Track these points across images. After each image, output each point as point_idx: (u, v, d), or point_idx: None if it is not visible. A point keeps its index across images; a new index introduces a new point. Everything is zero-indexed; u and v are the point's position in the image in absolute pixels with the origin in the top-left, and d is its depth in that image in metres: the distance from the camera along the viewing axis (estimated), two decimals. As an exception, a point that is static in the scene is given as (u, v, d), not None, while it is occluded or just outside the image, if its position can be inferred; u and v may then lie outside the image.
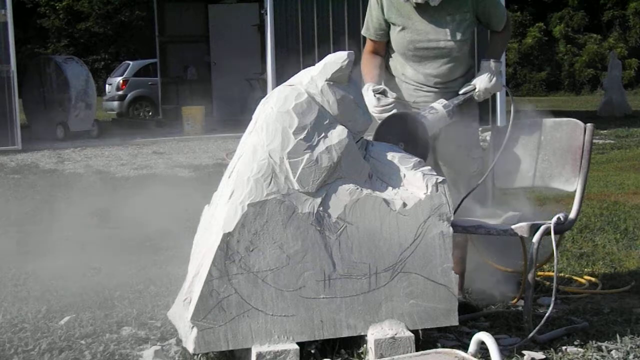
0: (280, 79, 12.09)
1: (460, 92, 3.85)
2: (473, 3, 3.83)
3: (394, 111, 3.67)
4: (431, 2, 3.72)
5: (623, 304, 4.20)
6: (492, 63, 3.85)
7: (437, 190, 3.26)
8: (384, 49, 3.95)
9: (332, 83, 3.24)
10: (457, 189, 3.84)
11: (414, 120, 3.62)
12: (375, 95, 3.66)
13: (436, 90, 3.89)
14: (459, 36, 3.81)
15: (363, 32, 3.97)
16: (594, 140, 4.22)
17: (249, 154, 3.19)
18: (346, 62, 3.23)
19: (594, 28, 32.89)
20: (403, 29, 3.84)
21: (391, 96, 3.68)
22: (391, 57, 3.96)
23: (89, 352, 3.39)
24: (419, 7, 3.78)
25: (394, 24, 3.86)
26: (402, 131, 3.55)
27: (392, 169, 3.31)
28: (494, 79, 3.84)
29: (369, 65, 3.90)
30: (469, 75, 3.93)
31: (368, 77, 3.83)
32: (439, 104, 3.76)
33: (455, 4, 3.79)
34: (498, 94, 14.01)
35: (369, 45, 3.97)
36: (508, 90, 4.14)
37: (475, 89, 3.84)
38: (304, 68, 3.39)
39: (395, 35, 3.87)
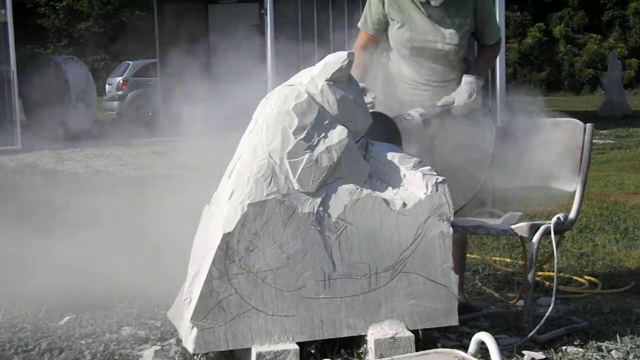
0: (280, 79, 12.09)
1: (439, 103, 3.82)
2: (474, 9, 3.83)
3: (371, 110, 3.66)
4: (433, 2, 3.72)
5: (623, 304, 4.20)
6: (473, 79, 3.83)
7: (437, 190, 3.26)
8: (375, 46, 3.94)
9: (332, 83, 3.24)
10: (455, 191, 3.84)
11: (389, 122, 3.62)
12: None
13: (432, 89, 3.88)
14: (456, 40, 3.81)
15: (360, 24, 3.95)
16: (594, 140, 4.22)
17: (249, 154, 3.19)
18: (346, 62, 3.23)
19: (594, 28, 32.89)
20: (402, 26, 3.83)
21: (370, 95, 3.68)
22: (389, 56, 3.95)
23: (89, 352, 3.40)
24: (421, 6, 3.77)
25: (393, 20, 3.85)
26: (376, 131, 3.53)
27: (392, 169, 3.31)
28: (474, 95, 3.82)
29: (355, 61, 3.89)
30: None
31: (352, 73, 3.82)
32: (416, 112, 3.75)
33: (456, 7, 3.79)
34: (498, 93, 14.04)
35: (361, 39, 3.95)
36: (489, 109, 4.11)
37: (454, 102, 3.83)
38: (304, 68, 3.38)
39: (393, 31, 3.87)
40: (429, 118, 3.75)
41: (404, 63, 3.90)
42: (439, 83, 3.88)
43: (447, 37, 3.80)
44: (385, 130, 3.58)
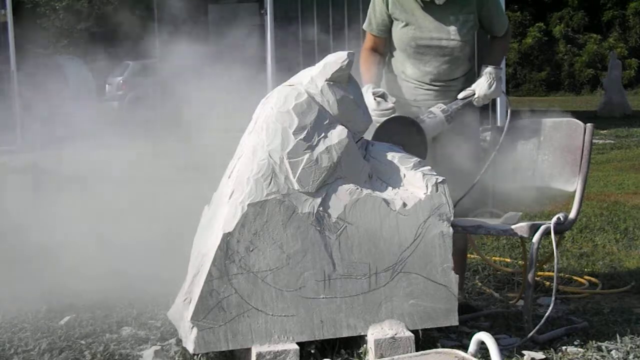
0: (280, 79, 12.08)
1: (459, 96, 3.85)
2: (477, 5, 3.83)
3: (393, 115, 3.66)
4: (437, 0, 3.73)
5: (623, 304, 4.20)
6: (491, 69, 3.85)
7: (437, 190, 3.26)
8: (383, 46, 3.95)
9: (332, 83, 3.24)
10: (456, 188, 3.84)
11: (412, 124, 3.62)
12: (375, 99, 3.65)
13: (436, 88, 3.89)
14: (461, 36, 3.82)
15: (365, 26, 3.96)
16: (594, 140, 4.23)
17: (249, 154, 3.19)
18: (346, 62, 3.23)
19: (594, 28, 32.87)
20: (406, 25, 3.84)
21: (390, 100, 3.68)
22: (393, 55, 3.96)
23: (89, 352, 3.40)
24: (424, 5, 3.78)
25: (397, 20, 3.86)
26: (400, 135, 3.54)
27: (392, 169, 3.31)
28: (494, 84, 3.84)
29: (367, 63, 3.89)
30: (470, 75, 3.94)
31: (366, 76, 3.82)
32: (438, 109, 3.76)
33: (459, 4, 3.79)
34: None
35: (369, 41, 3.96)
36: (507, 98, 4.13)
37: (474, 94, 3.84)
38: (304, 68, 3.38)
39: (397, 31, 3.87)
40: (451, 113, 3.76)
41: (408, 62, 3.90)
42: (443, 82, 3.89)
43: (452, 34, 3.81)
44: (409, 133, 3.58)
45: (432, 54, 3.85)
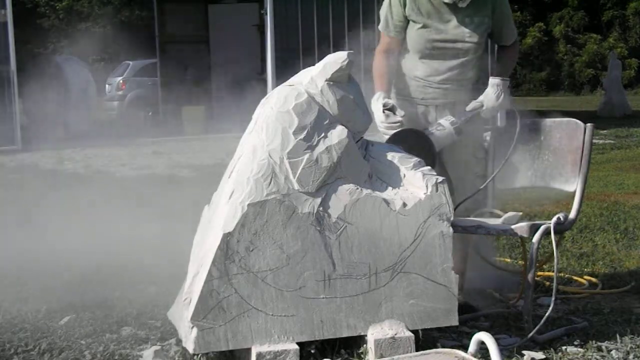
0: (280, 79, 12.09)
1: (468, 108, 3.83)
2: (492, 8, 3.85)
3: (402, 129, 3.66)
4: (460, 3, 3.73)
5: (623, 304, 4.20)
6: (499, 80, 3.84)
7: (437, 190, 3.26)
8: (398, 47, 3.94)
9: (332, 83, 3.24)
10: (461, 189, 3.85)
11: (421, 137, 3.62)
12: (384, 111, 3.65)
13: (445, 87, 3.88)
14: (476, 38, 3.83)
15: (381, 28, 3.95)
16: (594, 140, 4.23)
17: (249, 154, 3.19)
18: (346, 62, 3.23)
19: (593, 28, 32.90)
20: (423, 27, 3.84)
21: (399, 114, 3.67)
22: (404, 57, 3.95)
23: (89, 352, 3.40)
24: (441, 7, 3.78)
25: (414, 22, 3.86)
26: (409, 147, 3.53)
27: (392, 169, 3.32)
28: (502, 96, 3.83)
29: (381, 69, 3.87)
30: (481, 76, 3.93)
31: (378, 82, 3.81)
32: (447, 121, 3.76)
33: (475, 6, 3.81)
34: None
35: (384, 43, 3.95)
36: (515, 108, 4.12)
37: (482, 106, 3.83)
38: (304, 68, 3.39)
39: (413, 32, 3.87)
40: (460, 125, 3.75)
41: (419, 63, 3.89)
42: (456, 82, 3.88)
43: (467, 36, 3.82)
44: (417, 145, 3.57)
45: (446, 55, 3.85)
